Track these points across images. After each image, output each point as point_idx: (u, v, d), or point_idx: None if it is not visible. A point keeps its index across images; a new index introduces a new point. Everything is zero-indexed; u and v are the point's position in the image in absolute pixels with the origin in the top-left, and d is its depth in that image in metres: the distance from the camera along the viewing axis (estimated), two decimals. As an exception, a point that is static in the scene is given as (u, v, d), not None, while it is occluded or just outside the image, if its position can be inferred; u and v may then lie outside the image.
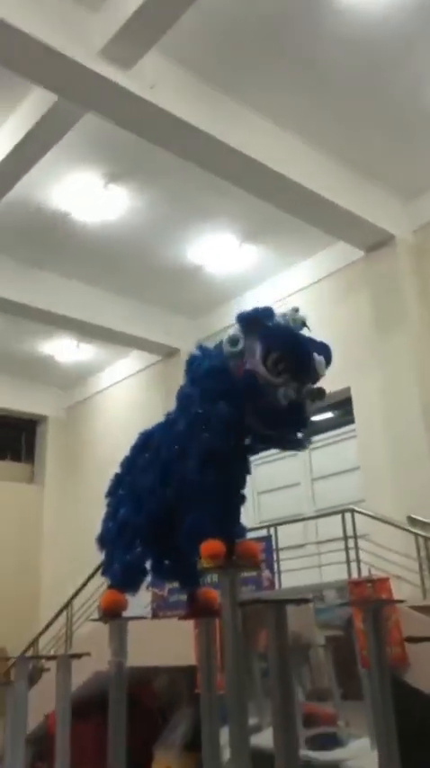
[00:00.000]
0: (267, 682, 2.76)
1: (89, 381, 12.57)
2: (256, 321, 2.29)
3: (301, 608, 6.52)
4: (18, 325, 10.11)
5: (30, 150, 6.22)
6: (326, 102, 6.39)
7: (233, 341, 2.28)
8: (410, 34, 5.67)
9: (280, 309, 2.32)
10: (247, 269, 8.99)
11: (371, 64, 5.96)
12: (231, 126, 6.19)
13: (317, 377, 2.26)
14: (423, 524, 6.55)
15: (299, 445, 2.42)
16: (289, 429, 2.29)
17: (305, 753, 6.06)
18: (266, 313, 2.31)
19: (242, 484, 2.53)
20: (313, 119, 6.57)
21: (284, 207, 6.94)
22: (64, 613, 9.00)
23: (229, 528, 2.42)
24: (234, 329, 2.28)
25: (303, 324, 2.30)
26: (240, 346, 2.27)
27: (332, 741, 6.13)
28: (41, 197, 7.51)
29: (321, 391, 2.29)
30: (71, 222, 7.95)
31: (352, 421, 8.21)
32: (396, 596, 5.51)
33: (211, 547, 2.27)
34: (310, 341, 2.28)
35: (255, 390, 2.23)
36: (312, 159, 6.90)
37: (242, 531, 2.52)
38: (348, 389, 8.17)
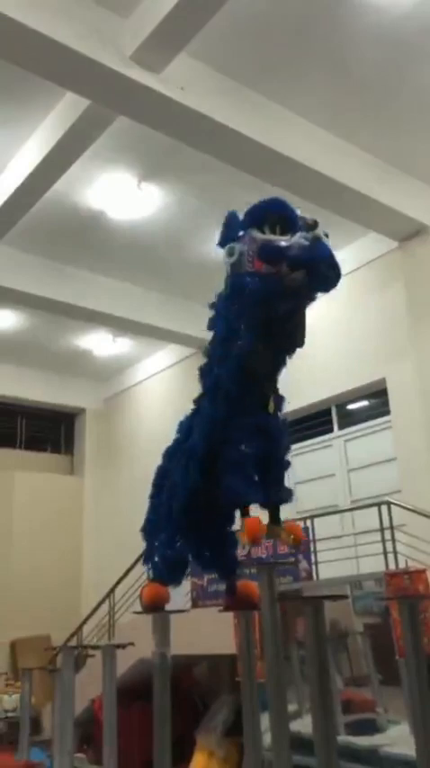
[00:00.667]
0: (306, 668, 2.85)
1: (126, 374, 12.79)
2: (234, 228, 2.50)
3: (339, 596, 6.63)
4: (56, 321, 10.35)
5: (63, 154, 6.36)
6: (357, 96, 6.37)
7: (230, 252, 2.47)
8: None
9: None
10: (281, 261, 9.03)
11: (399, 57, 5.92)
12: (261, 123, 6.22)
13: (311, 221, 2.41)
14: (460, 515, 6.56)
15: (329, 284, 2.47)
16: (322, 260, 2.38)
17: (344, 738, 6.20)
18: (234, 217, 2.53)
19: (279, 448, 2.59)
20: (343, 113, 6.57)
21: (317, 201, 6.94)
22: (106, 602, 9.24)
23: (273, 492, 2.52)
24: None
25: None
26: (238, 250, 2.44)
27: (371, 727, 6.25)
28: (76, 197, 7.66)
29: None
30: (106, 220, 8.09)
31: (388, 412, 8.22)
32: (432, 588, 5.57)
33: (252, 526, 2.37)
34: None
35: (277, 253, 2.36)
36: (344, 153, 6.90)
37: (287, 494, 2.61)
38: (383, 380, 8.19)
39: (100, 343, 11.48)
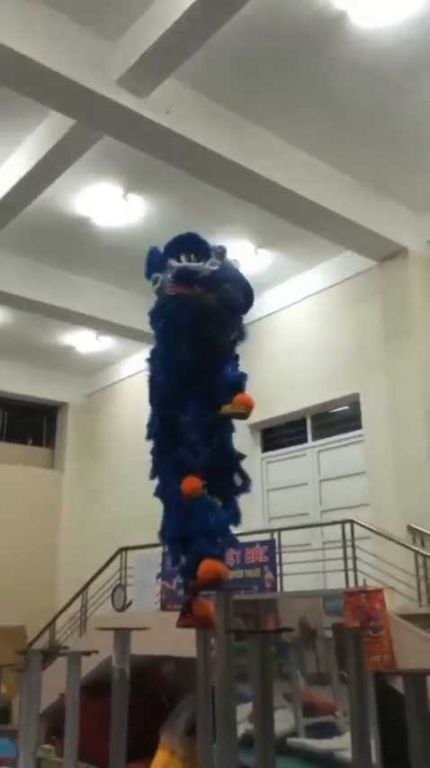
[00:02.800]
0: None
1: (109, 371, 12.91)
2: (156, 262, 2.99)
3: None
4: (41, 318, 10.42)
5: (50, 167, 6.46)
6: (339, 122, 6.51)
7: (154, 280, 2.98)
8: (418, 63, 5.80)
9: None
10: (264, 272, 9.14)
11: (381, 87, 6.07)
12: (245, 147, 6.35)
13: (220, 250, 2.88)
14: (421, 534, 6.80)
15: (239, 304, 2.87)
16: (228, 284, 2.79)
17: (303, 741, 6.44)
18: (155, 252, 3.03)
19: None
20: (326, 137, 6.71)
21: (298, 222, 7.09)
22: (80, 597, 9.42)
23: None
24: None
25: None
26: (160, 278, 2.93)
27: (330, 730, 6.49)
28: (64, 203, 7.76)
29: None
30: (92, 227, 8.20)
31: (361, 425, 8.41)
32: (389, 606, 5.80)
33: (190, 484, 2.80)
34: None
35: (190, 277, 2.82)
36: (325, 176, 7.04)
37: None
38: (357, 395, 8.38)
39: (83, 341, 11.59)
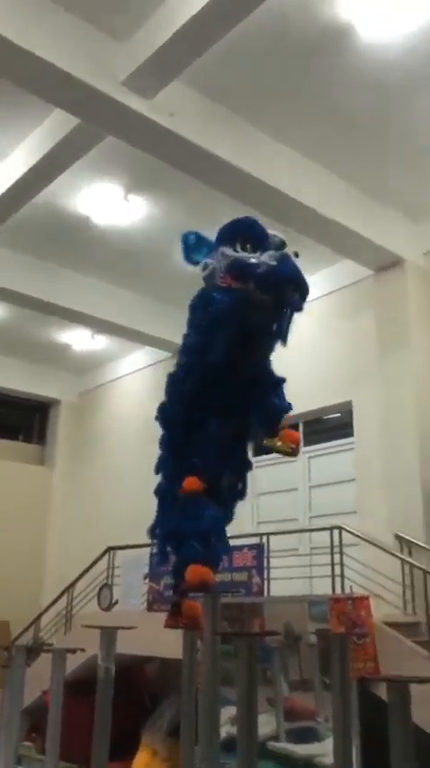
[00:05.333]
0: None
1: (102, 370, 12.90)
2: (193, 245, 2.65)
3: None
4: (37, 314, 10.42)
5: (52, 164, 6.48)
6: (343, 130, 6.56)
7: (203, 266, 2.62)
8: (421, 75, 5.88)
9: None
10: (261, 276, 9.18)
11: (385, 98, 6.13)
12: (248, 152, 6.38)
13: (279, 241, 2.56)
14: (409, 543, 6.83)
15: (294, 307, 2.58)
16: (288, 286, 2.50)
17: (284, 746, 6.46)
18: (189, 236, 2.68)
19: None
20: (329, 145, 6.76)
21: (298, 228, 7.11)
22: (65, 596, 9.40)
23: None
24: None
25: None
26: (210, 265, 2.58)
27: (311, 735, 6.52)
28: (64, 201, 7.78)
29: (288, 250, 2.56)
30: (91, 225, 8.21)
31: (352, 433, 8.45)
32: (375, 614, 5.84)
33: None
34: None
35: (246, 271, 2.48)
36: (326, 183, 7.08)
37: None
38: (350, 403, 8.42)
39: (79, 339, 11.58)
